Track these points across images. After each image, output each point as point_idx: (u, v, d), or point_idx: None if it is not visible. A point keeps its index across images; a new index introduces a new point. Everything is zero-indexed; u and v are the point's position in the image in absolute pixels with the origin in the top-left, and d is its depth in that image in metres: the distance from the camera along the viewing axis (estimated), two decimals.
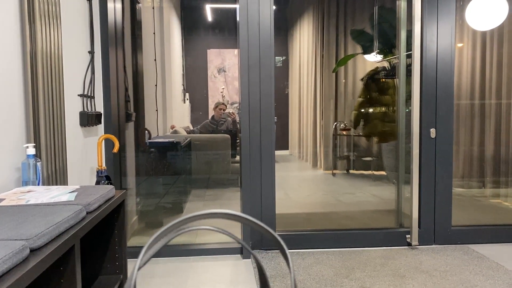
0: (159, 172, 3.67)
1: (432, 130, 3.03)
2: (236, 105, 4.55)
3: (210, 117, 4.46)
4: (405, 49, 3.16)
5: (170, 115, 4.22)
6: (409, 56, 3.09)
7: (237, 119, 4.32)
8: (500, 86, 3.77)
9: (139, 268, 0.44)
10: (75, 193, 1.63)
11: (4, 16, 1.73)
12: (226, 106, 4.48)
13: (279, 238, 0.54)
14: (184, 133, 4.28)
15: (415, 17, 2.92)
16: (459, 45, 3.83)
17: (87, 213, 1.50)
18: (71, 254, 1.30)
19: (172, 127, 4.21)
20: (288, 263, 0.50)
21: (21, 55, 1.84)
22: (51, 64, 1.91)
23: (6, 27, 1.74)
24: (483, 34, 3.79)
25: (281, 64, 4.75)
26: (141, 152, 3.54)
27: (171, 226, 0.47)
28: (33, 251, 1.12)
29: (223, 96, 4.62)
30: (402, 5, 3.14)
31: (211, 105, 4.54)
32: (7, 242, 1.06)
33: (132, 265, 2.82)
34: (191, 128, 4.51)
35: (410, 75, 3.00)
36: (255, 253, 0.54)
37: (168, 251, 2.96)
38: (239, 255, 2.96)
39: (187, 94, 4.60)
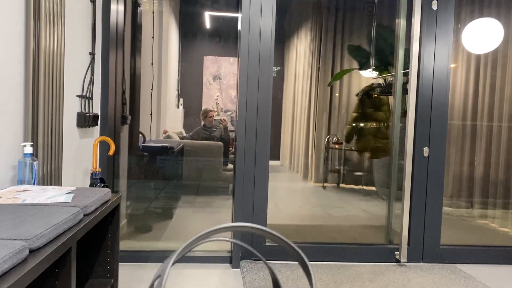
0: (151, 176, 3.65)
1: (426, 149, 3.07)
2: (229, 113, 4.55)
3: (202, 124, 4.44)
4: (402, 67, 3.21)
5: (164, 119, 4.20)
6: (405, 74, 3.13)
7: (229, 125, 4.31)
8: (492, 109, 3.84)
9: (173, 264, 0.44)
10: (72, 195, 1.62)
11: (9, 13, 1.71)
12: (214, 112, 4.46)
13: (303, 255, 0.54)
14: (177, 138, 4.25)
15: (414, 37, 2.97)
16: (453, 65, 3.89)
17: (84, 215, 1.49)
18: (67, 256, 1.28)
19: (165, 131, 4.18)
20: (310, 280, 0.51)
21: (24, 52, 1.83)
22: (53, 63, 1.90)
23: (11, 24, 1.72)
24: (478, 57, 3.86)
25: (275, 74, 4.77)
26: (134, 155, 3.51)
27: (207, 233, 0.48)
28: (32, 251, 1.10)
29: (217, 104, 4.61)
30: (401, 23, 3.19)
31: None
32: (7, 241, 1.05)
33: (122, 269, 2.78)
34: (184, 134, 4.49)
35: (406, 93, 3.03)
36: (269, 263, 0.55)
37: (156, 257, 2.93)
38: (228, 264, 2.94)
39: (181, 100, 4.58)
